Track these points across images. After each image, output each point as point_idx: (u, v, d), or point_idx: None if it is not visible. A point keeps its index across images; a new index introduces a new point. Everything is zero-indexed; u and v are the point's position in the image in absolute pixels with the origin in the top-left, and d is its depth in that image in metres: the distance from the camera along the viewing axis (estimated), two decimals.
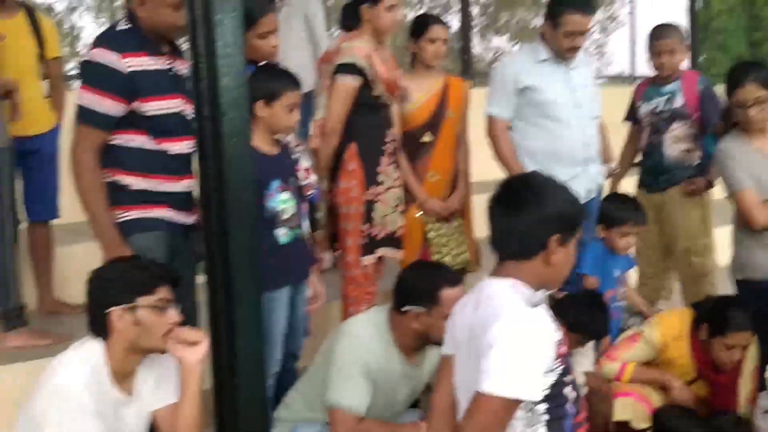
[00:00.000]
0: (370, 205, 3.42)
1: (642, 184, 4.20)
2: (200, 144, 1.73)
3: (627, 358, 3.35)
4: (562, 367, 1.88)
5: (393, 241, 3.51)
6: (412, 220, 3.60)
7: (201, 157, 1.72)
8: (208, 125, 1.60)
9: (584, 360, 3.34)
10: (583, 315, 3.15)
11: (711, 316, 3.19)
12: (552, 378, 1.85)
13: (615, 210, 3.58)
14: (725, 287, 3.73)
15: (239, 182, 1.63)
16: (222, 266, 1.58)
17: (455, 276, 2.77)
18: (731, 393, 3.27)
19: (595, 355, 3.43)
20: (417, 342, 2.76)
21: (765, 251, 3.41)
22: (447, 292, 2.62)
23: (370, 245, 3.43)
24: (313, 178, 3.25)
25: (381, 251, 3.47)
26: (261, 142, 2.83)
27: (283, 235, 2.87)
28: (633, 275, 4.33)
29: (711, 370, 3.24)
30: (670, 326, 3.33)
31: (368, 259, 3.43)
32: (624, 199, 3.75)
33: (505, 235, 1.94)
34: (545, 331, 1.83)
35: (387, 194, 3.45)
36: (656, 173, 4.07)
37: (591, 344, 3.37)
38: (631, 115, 4.23)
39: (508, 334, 1.79)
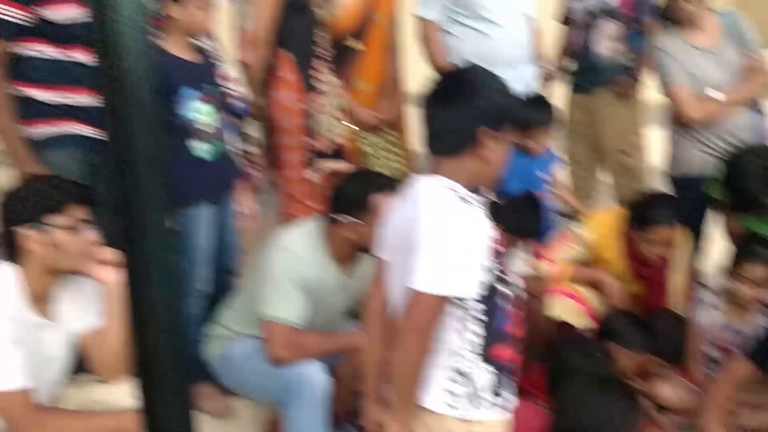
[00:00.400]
0: (310, 116, 3.29)
1: (572, 85, 4.16)
2: (99, 43, 1.56)
3: (563, 258, 3.37)
4: (497, 265, 1.84)
5: (336, 153, 3.39)
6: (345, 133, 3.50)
7: (99, 56, 1.55)
8: (107, 23, 1.44)
9: (521, 262, 3.35)
10: (516, 214, 3.13)
11: (636, 213, 3.22)
12: (487, 276, 1.81)
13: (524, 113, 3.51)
14: (658, 187, 3.77)
15: (138, 82, 1.47)
16: (125, 176, 1.45)
17: (388, 182, 2.70)
18: (663, 290, 3.34)
19: (530, 258, 3.44)
20: (351, 252, 2.71)
21: (697, 147, 3.44)
22: (379, 199, 2.56)
23: (313, 159, 3.32)
24: (240, 89, 3.09)
25: (325, 165, 3.36)
26: (174, 46, 2.66)
27: (202, 149, 2.74)
28: (566, 176, 4.35)
29: (642, 267, 3.29)
30: (603, 225, 3.35)
31: (312, 174, 3.32)
32: (533, 100, 3.67)
33: (436, 131, 1.86)
34: (478, 228, 1.78)
35: (326, 102, 3.32)
36: (586, 73, 4.03)
37: (526, 246, 3.38)
38: (564, 15, 4.15)
39: (439, 231, 1.74)
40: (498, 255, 1.85)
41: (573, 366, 2.34)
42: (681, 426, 3.05)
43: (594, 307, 3.34)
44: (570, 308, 3.30)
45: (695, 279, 3.45)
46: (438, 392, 1.83)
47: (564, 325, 3.27)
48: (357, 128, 3.53)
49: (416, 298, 1.74)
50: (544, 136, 3.49)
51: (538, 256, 3.45)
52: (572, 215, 3.82)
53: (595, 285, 3.36)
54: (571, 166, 4.20)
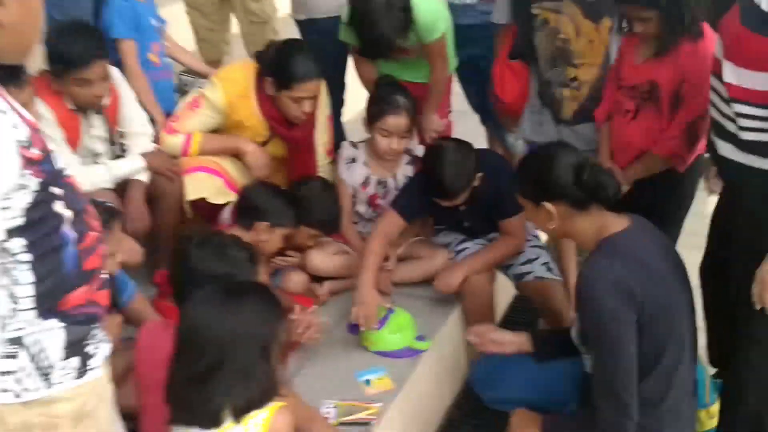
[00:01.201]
0: None
1: None
2: None
3: (191, 127, 2.85)
4: (41, 179, 1.24)
5: None
6: None
7: None
8: None
9: (139, 141, 2.78)
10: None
11: (275, 68, 2.79)
12: (24, 200, 1.23)
13: None
14: (290, 33, 3.35)
15: None
16: None
17: None
18: (311, 150, 3.01)
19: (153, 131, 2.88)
20: None
21: None
22: None
23: None
24: None
25: None
26: None
27: None
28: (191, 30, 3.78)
29: (284, 127, 2.91)
30: (233, 83, 2.86)
31: None
32: None
33: None
34: None
35: None
36: None
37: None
38: None
39: None
40: (38, 162, 1.24)
41: (200, 270, 1.90)
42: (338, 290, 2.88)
43: (235, 179, 2.92)
44: (208, 184, 2.83)
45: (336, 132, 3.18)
46: None
47: (200, 205, 2.82)
48: None
49: None
50: None
51: (161, 129, 2.90)
52: (197, 75, 3.29)
53: (233, 154, 2.92)
54: (192, 18, 3.62)
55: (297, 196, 2.75)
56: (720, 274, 2.23)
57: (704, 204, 2.83)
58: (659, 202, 2.54)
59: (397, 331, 2.57)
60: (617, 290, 1.86)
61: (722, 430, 2.21)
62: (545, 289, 2.75)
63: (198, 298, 1.66)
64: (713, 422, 2.30)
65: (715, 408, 2.29)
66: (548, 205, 1.99)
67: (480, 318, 2.75)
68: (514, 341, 2.34)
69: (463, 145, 2.66)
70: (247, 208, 2.64)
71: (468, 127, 3.65)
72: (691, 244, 2.61)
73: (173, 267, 2.05)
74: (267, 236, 2.59)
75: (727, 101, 1.92)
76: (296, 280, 2.82)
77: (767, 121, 1.84)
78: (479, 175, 2.62)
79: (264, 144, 2.95)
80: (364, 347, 2.58)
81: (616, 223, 1.99)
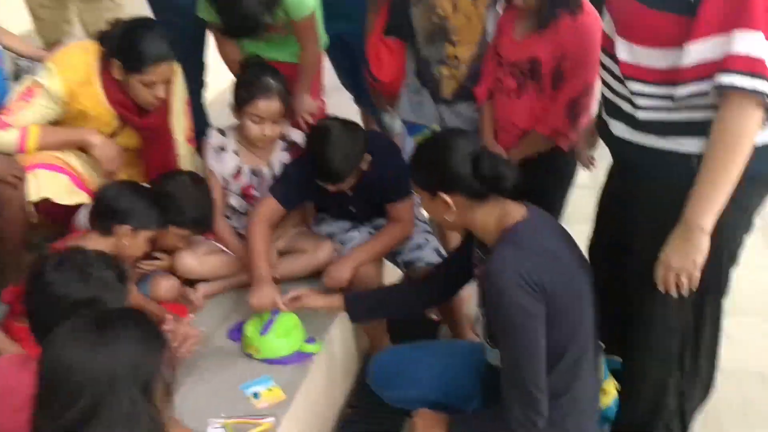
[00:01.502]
0: None
1: None
2: None
3: (26, 121, 2.48)
4: None
5: None
6: None
7: None
8: None
9: None
10: None
11: (122, 50, 2.48)
12: None
13: None
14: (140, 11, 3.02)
15: None
16: None
17: None
18: (165, 135, 2.72)
19: None
20: None
21: None
22: None
23: None
24: None
25: None
26: None
27: None
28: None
29: (135, 114, 2.61)
30: (73, 69, 2.50)
31: None
32: None
33: None
34: None
35: None
36: None
37: None
38: None
39: None
40: None
41: (61, 296, 1.62)
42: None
43: (84, 176, 2.59)
44: (51, 183, 2.47)
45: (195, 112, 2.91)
46: None
47: (48, 205, 2.48)
48: None
49: None
50: None
51: None
52: (31, 62, 2.90)
53: (79, 147, 2.58)
54: None
55: (162, 192, 2.48)
56: (611, 255, 2.19)
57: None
58: (544, 181, 2.49)
59: (284, 335, 2.38)
60: (527, 283, 1.77)
61: (623, 411, 2.19)
62: None
63: (62, 332, 1.39)
64: (607, 399, 2.29)
65: (609, 385, 2.28)
66: (445, 196, 1.87)
67: None
68: (326, 303, 2.35)
69: (351, 126, 2.48)
70: (105, 211, 2.34)
71: (341, 105, 3.47)
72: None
73: (28, 294, 1.74)
74: (129, 241, 2.31)
75: (621, 80, 1.85)
76: (166, 286, 2.56)
77: (663, 99, 1.78)
78: (367, 157, 2.46)
79: (113, 135, 2.63)
80: (249, 355, 2.38)
81: (516, 211, 1.89)
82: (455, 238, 2.95)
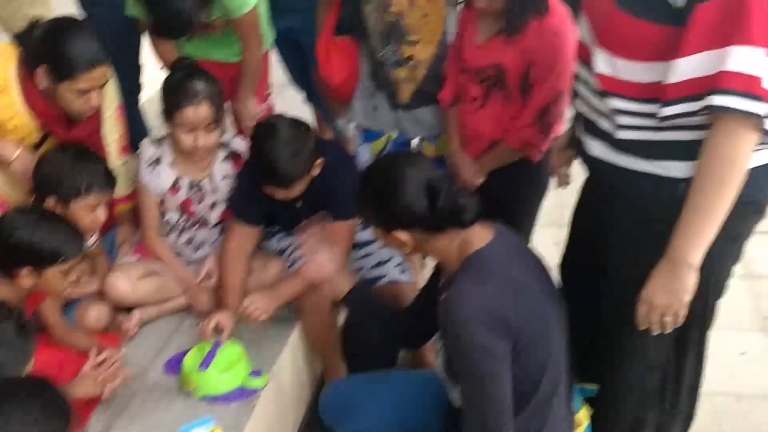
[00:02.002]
0: None
1: None
2: None
3: None
4: None
5: None
6: None
7: None
8: None
9: None
10: None
11: (48, 54, 2.18)
12: None
13: None
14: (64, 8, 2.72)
15: None
16: None
17: None
18: (95, 146, 2.45)
19: None
20: None
21: None
22: None
23: None
24: None
25: None
26: None
27: None
28: None
29: (62, 125, 2.33)
30: None
31: None
32: None
33: None
34: None
35: None
36: None
37: None
38: None
39: None
40: None
41: None
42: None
43: (3, 194, 2.32)
44: None
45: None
46: None
47: None
48: None
49: None
50: None
51: None
52: None
53: None
54: None
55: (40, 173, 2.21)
56: (585, 276, 2.01)
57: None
58: (514, 192, 2.30)
59: (226, 368, 2.15)
60: (489, 320, 1.58)
61: None
62: (399, 294, 2.43)
63: None
64: (580, 430, 2.13)
65: (581, 416, 2.12)
66: (400, 234, 1.68)
67: (324, 336, 2.41)
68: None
69: (299, 124, 2.24)
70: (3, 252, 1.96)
71: (291, 104, 3.24)
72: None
73: None
74: (40, 282, 1.96)
75: (599, 95, 1.66)
76: (96, 316, 2.30)
77: (646, 118, 1.60)
78: (318, 161, 2.23)
79: (38, 146, 2.36)
80: (187, 392, 2.15)
81: (478, 236, 1.70)
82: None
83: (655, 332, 1.70)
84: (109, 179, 2.26)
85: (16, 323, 1.50)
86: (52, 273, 1.95)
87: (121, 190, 2.46)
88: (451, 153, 2.40)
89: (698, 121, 1.53)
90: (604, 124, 1.69)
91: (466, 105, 2.28)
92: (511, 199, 2.29)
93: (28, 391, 1.23)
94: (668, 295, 1.62)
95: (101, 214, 2.23)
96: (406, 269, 2.48)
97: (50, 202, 2.17)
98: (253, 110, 2.63)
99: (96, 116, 2.38)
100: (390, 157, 1.95)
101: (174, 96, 2.30)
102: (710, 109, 1.47)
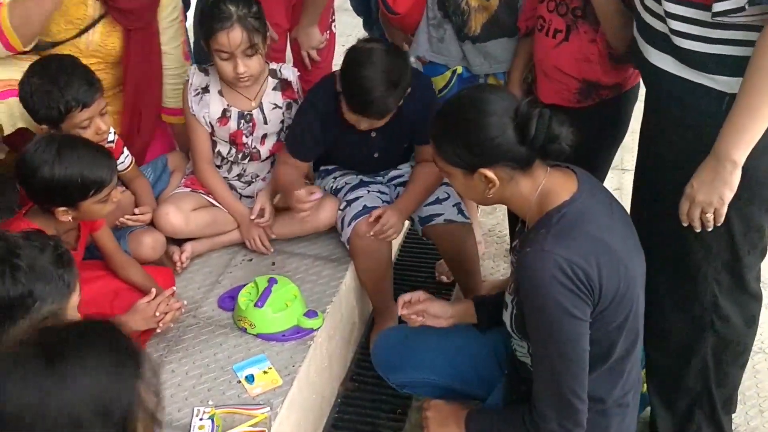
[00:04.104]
0: None
1: None
2: None
3: None
4: None
5: None
6: None
7: None
8: None
9: None
10: None
11: None
12: None
13: None
14: None
15: None
16: None
17: None
18: (150, 34, 2.31)
19: None
20: None
21: None
22: None
23: None
24: None
25: None
26: None
27: None
28: None
29: None
30: None
31: None
32: None
33: None
34: None
35: None
36: None
37: None
38: None
39: None
40: None
41: None
42: None
43: None
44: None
45: None
46: None
47: (18, 138, 2.13)
48: None
49: None
50: None
51: None
52: None
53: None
54: None
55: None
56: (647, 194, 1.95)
57: None
58: (593, 135, 2.15)
59: (281, 307, 2.09)
60: (571, 281, 1.47)
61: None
62: (455, 234, 2.34)
63: (3, 371, 1.09)
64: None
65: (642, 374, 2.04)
66: (487, 172, 1.54)
67: (379, 278, 2.33)
68: (457, 313, 1.92)
69: (399, 53, 2.10)
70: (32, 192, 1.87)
71: (347, 29, 3.08)
72: None
73: None
74: (74, 215, 1.88)
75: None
76: (150, 245, 2.23)
77: (695, 25, 1.55)
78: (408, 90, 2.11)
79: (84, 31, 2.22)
80: (242, 329, 2.10)
81: (563, 185, 1.57)
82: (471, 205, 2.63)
83: (697, 229, 1.69)
84: (90, 87, 2.03)
85: (52, 254, 1.42)
86: (87, 205, 1.86)
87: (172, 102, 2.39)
88: (507, 78, 2.26)
89: (749, 22, 1.49)
90: (661, 28, 1.64)
91: (543, 38, 2.12)
92: (591, 142, 2.15)
93: (88, 334, 1.15)
94: (710, 192, 1.61)
95: (100, 125, 2.07)
96: (463, 209, 2.38)
97: (45, 128, 2.02)
98: (316, 39, 2.49)
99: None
100: (470, 89, 1.79)
101: (208, 21, 2.16)
102: (761, 5, 1.44)
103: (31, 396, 1.04)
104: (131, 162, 2.30)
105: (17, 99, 2.08)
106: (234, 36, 2.14)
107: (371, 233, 2.20)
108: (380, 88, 2.01)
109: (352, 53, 2.09)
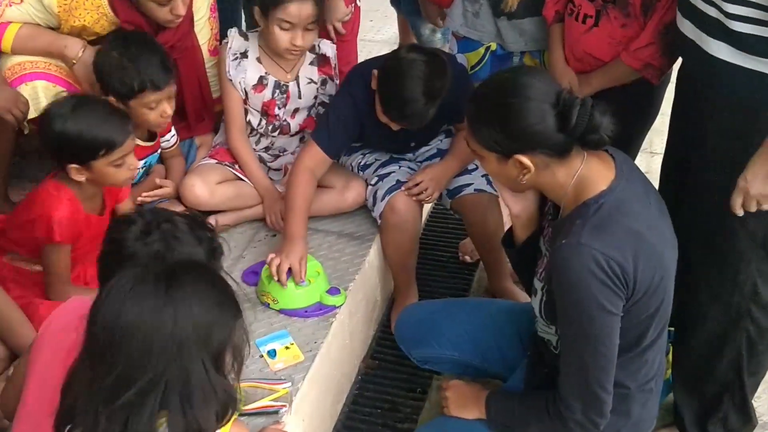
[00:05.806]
0: None
1: None
2: None
3: (11, 17, 2.11)
4: None
5: None
6: None
7: None
8: None
9: None
10: None
11: None
12: None
13: None
14: None
15: None
16: None
17: None
18: (190, 49, 2.33)
19: None
20: None
21: None
22: None
23: None
24: None
25: None
26: None
27: None
28: None
29: (149, 32, 2.21)
30: None
31: None
32: None
33: None
34: None
35: None
36: None
37: None
38: None
39: None
40: None
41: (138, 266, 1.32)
42: None
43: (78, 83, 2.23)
44: (52, 95, 2.10)
45: None
46: None
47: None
48: None
49: None
50: None
51: None
52: None
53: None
54: None
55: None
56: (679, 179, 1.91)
57: None
58: (623, 118, 2.12)
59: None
60: (607, 276, 1.44)
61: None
62: (484, 205, 2.30)
63: (123, 285, 1.16)
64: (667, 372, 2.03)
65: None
66: (523, 158, 1.49)
67: (406, 254, 2.31)
68: None
69: (439, 61, 2.06)
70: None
71: (374, 4, 3.04)
72: None
73: (104, 255, 1.44)
74: (88, 176, 1.88)
75: None
76: None
77: (750, 7, 1.49)
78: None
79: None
80: (265, 304, 2.10)
81: (600, 173, 1.53)
82: None
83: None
84: (166, 72, 2.08)
85: (207, 246, 1.45)
86: (99, 166, 1.86)
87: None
88: (550, 65, 2.21)
89: None
90: (713, 12, 1.60)
91: (573, 23, 2.07)
92: (622, 125, 2.11)
93: (205, 273, 1.21)
94: (765, 184, 1.56)
95: (167, 108, 2.11)
96: (491, 180, 2.33)
97: (113, 100, 2.05)
98: (342, 11, 2.46)
99: (186, 21, 2.27)
100: (510, 71, 1.75)
101: None
102: None
103: (147, 314, 1.14)
104: (176, 141, 2.34)
105: (42, 82, 2.12)
106: (305, 8, 2.14)
107: (409, 193, 2.20)
108: (420, 102, 1.99)
109: (393, 62, 2.06)
